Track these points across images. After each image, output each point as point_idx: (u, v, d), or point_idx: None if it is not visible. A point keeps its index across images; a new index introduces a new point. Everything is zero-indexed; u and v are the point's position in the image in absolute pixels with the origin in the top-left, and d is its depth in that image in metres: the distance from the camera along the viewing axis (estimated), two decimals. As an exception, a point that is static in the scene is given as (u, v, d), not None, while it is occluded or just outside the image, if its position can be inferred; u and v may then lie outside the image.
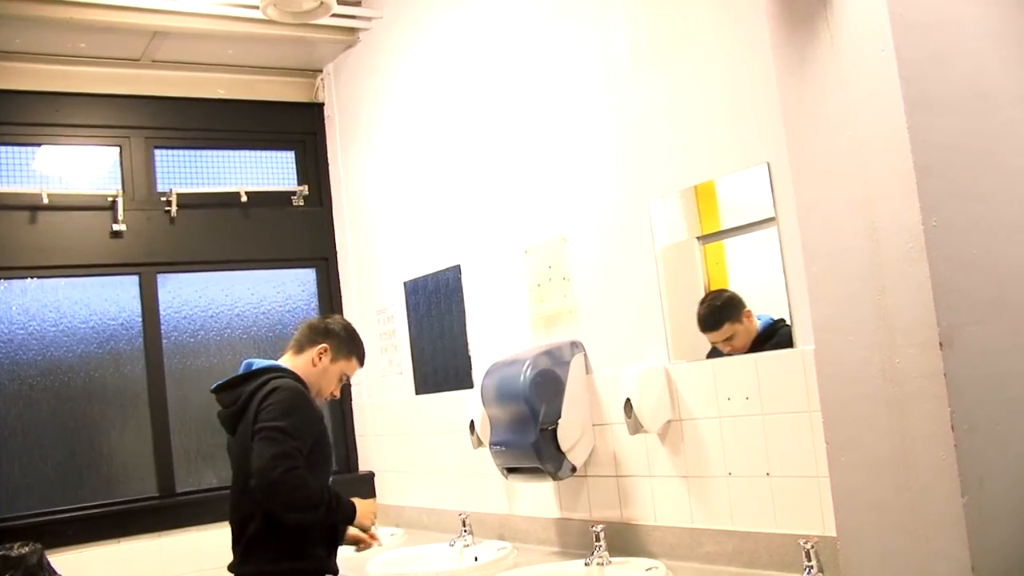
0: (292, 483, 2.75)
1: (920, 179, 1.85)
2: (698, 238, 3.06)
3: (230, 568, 3.02)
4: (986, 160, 1.99)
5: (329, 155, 5.32)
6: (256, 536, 2.90)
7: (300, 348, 3.13)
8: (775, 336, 2.79)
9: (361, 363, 3.23)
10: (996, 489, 1.83)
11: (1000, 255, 1.95)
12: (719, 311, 2.95)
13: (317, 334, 3.14)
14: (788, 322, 2.74)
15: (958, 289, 1.86)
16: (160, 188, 4.89)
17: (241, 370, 3.10)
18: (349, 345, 3.17)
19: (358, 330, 3.31)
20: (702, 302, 3.00)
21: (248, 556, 2.94)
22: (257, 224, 5.08)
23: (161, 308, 4.81)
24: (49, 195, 4.52)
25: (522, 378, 3.30)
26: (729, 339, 2.92)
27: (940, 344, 1.82)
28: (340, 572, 3.08)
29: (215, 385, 3.13)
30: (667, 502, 3.13)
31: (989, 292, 1.92)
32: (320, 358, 3.10)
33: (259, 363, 3.08)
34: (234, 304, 5.02)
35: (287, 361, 3.13)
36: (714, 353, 2.99)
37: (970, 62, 2.02)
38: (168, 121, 4.95)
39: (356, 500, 3.04)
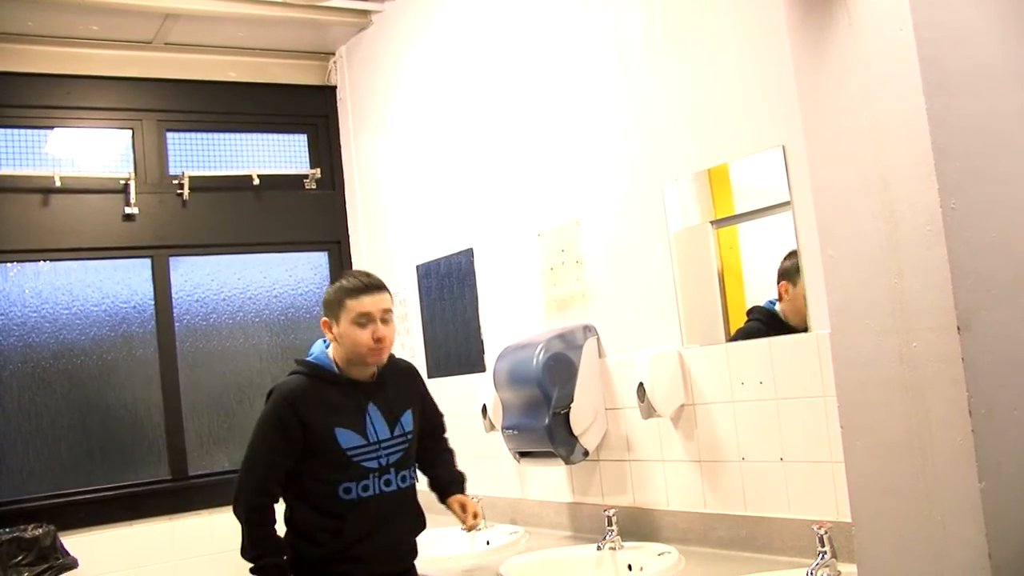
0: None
1: (938, 161, 1.83)
2: (711, 222, 3.04)
3: None
4: (1006, 141, 1.95)
5: (341, 138, 5.31)
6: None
7: (325, 335, 2.98)
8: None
9: (361, 293, 2.84)
10: (1014, 474, 1.81)
11: (1019, 237, 1.92)
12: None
13: (323, 314, 2.95)
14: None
15: (976, 272, 1.83)
16: (172, 171, 4.88)
17: None
18: (338, 294, 2.87)
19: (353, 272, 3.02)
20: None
21: None
22: (269, 207, 5.07)
23: (173, 291, 4.82)
24: (61, 178, 4.52)
25: (535, 362, 3.29)
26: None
27: (958, 328, 1.79)
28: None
29: None
30: (680, 487, 3.12)
31: (1008, 275, 1.89)
32: (331, 331, 2.89)
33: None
34: (246, 287, 5.02)
35: (332, 350, 2.94)
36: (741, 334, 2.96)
37: (990, 41, 1.99)
38: (180, 104, 4.95)
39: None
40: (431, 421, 3.16)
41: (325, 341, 2.95)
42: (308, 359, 2.94)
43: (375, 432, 2.87)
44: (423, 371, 4.55)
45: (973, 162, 1.88)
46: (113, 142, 4.81)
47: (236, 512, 2.83)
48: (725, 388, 2.94)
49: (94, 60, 4.74)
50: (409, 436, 2.95)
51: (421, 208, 4.61)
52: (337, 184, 5.30)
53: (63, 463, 4.49)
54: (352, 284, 2.87)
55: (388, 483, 2.88)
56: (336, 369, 2.90)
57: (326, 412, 2.83)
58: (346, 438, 2.83)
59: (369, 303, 2.84)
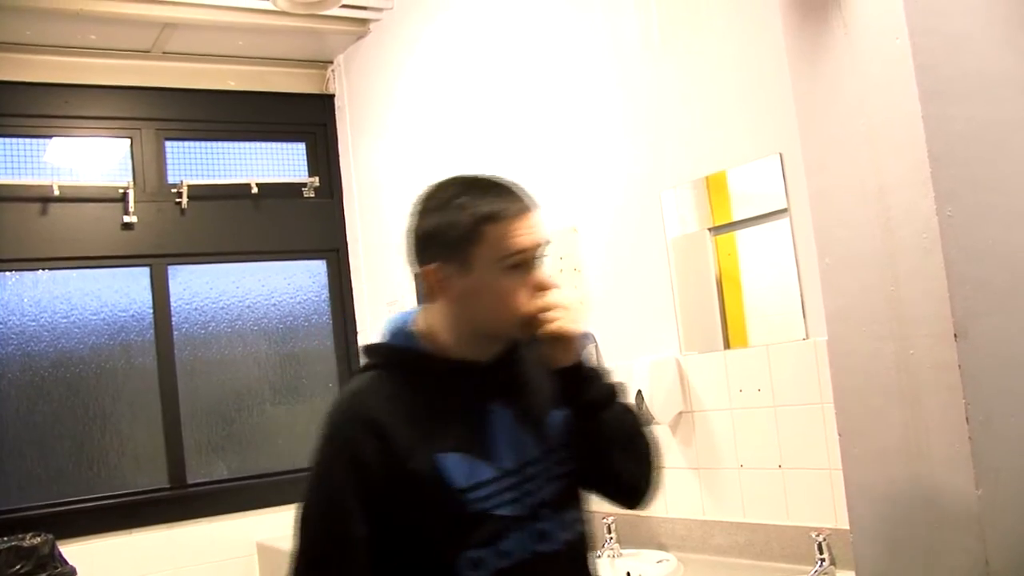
0: None
1: (935, 168, 1.83)
2: (709, 229, 3.04)
3: None
4: (1002, 148, 1.96)
5: (340, 146, 5.31)
6: None
7: (420, 292, 1.78)
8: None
9: (512, 214, 1.69)
10: (1011, 481, 1.81)
11: (1016, 245, 1.93)
12: None
13: (418, 254, 1.69)
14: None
15: (973, 279, 1.84)
16: (171, 180, 4.88)
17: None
18: (468, 215, 1.68)
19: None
20: None
21: None
22: (268, 216, 5.07)
23: (172, 300, 4.81)
24: (60, 187, 4.52)
25: (533, 369, 3.28)
26: None
27: (955, 335, 1.80)
28: None
29: None
30: (678, 494, 3.12)
31: (1004, 282, 1.90)
32: (441, 285, 1.64)
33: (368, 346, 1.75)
34: (245, 296, 5.01)
35: (419, 319, 1.71)
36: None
37: (986, 49, 2.00)
38: (179, 113, 4.95)
39: None
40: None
41: (405, 313, 1.74)
42: (382, 341, 1.72)
43: (511, 452, 1.64)
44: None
45: (969, 169, 1.89)
46: (112, 151, 4.81)
47: None
48: (723, 395, 2.94)
49: (92, 69, 4.74)
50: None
51: (419, 216, 4.60)
52: (335, 192, 5.30)
53: (61, 472, 4.48)
54: (492, 195, 1.72)
55: (544, 536, 1.64)
56: (432, 350, 1.67)
57: (420, 428, 1.59)
58: (461, 470, 1.59)
59: (527, 232, 1.67)
